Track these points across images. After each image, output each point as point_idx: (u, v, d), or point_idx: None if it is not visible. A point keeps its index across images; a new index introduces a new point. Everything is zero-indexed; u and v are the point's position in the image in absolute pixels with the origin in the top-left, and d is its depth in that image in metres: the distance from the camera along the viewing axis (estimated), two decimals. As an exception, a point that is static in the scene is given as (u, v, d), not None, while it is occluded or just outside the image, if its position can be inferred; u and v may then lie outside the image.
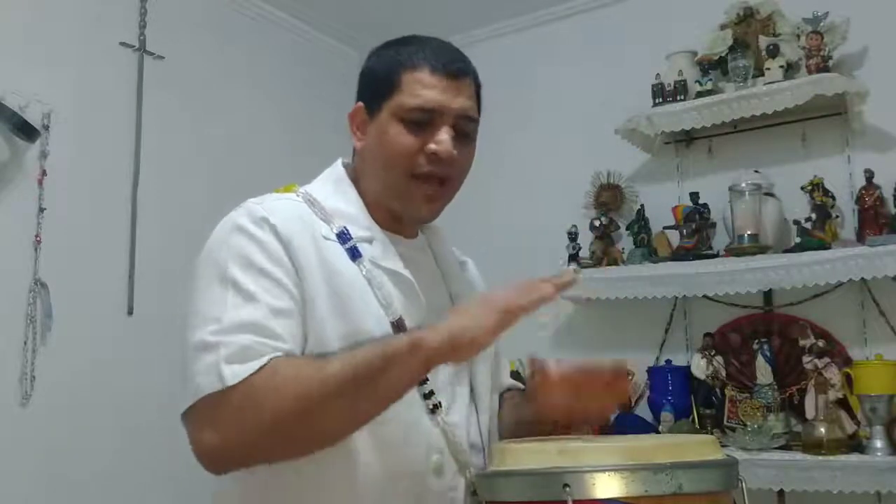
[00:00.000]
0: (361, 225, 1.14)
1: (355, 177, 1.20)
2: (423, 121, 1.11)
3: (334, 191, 1.17)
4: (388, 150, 1.12)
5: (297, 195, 1.16)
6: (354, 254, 1.10)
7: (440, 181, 1.13)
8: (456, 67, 1.13)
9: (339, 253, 1.09)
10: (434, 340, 0.96)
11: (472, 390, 1.18)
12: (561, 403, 1.11)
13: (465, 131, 1.14)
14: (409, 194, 1.13)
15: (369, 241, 1.13)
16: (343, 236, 1.11)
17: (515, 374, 1.92)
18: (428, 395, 1.09)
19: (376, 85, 1.15)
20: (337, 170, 1.22)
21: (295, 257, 1.05)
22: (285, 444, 0.97)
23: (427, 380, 1.08)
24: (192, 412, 0.98)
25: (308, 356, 1.01)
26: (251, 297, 1.00)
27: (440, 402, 1.10)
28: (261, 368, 0.95)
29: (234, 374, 0.94)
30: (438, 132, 1.11)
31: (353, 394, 0.95)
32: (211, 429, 0.96)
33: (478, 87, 1.19)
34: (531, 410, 1.17)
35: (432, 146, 1.11)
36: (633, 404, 2.69)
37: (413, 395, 1.05)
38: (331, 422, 0.96)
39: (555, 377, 1.10)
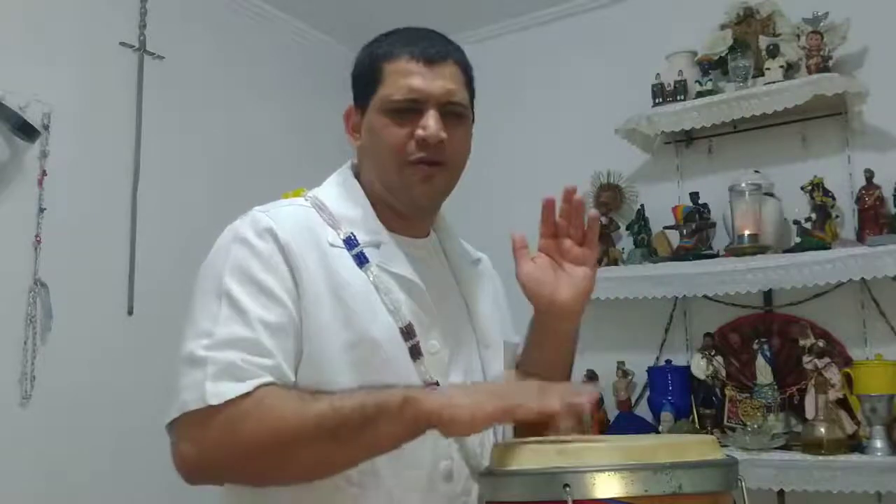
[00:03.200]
0: (369, 229, 1.13)
1: (362, 177, 1.19)
2: (407, 109, 1.10)
3: (341, 194, 1.17)
4: (379, 143, 1.12)
5: (306, 199, 1.15)
6: (361, 260, 1.09)
7: (434, 163, 1.12)
8: (434, 51, 1.12)
9: (345, 260, 1.08)
10: (428, 405, 0.92)
11: None
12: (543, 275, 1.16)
13: (453, 113, 1.12)
14: (405, 181, 1.12)
15: (377, 245, 1.11)
16: (350, 242, 1.10)
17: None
18: None
19: (361, 82, 1.16)
20: (345, 172, 1.21)
21: (296, 268, 1.04)
22: (258, 473, 0.98)
23: (437, 383, 1.07)
24: (175, 424, 0.99)
25: (300, 389, 0.99)
26: (244, 311, 0.99)
27: None
28: (247, 394, 0.94)
29: (218, 393, 0.94)
30: (423, 118, 1.10)
31: (332, 438, 0.93)
32: (190, 443, 0.97)
33: (465, 68, 1.16)
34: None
35: (420, 132, 1.09)
36: (632, 404, 2.69)
37: None
38: (304, 462, 0.95)
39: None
